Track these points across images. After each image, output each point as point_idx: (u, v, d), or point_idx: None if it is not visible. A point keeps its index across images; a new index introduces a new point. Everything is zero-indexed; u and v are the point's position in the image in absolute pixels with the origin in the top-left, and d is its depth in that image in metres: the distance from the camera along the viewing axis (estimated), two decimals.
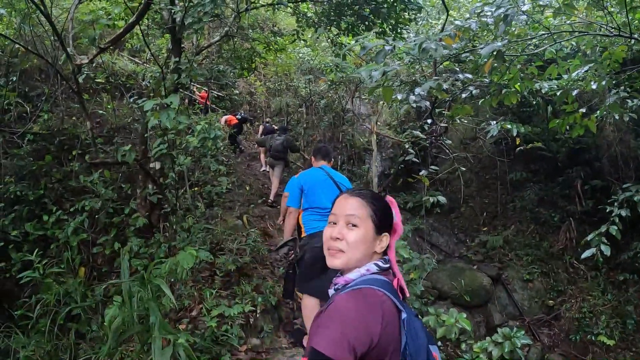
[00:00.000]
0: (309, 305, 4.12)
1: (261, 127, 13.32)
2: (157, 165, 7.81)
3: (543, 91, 9.63)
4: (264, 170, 12.01)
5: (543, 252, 10.80)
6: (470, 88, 5.75)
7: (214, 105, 14.04)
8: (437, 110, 6.84)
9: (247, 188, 10.01)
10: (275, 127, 11.94)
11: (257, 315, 4.69)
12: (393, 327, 1.37)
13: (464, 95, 5.71)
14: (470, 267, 10.23)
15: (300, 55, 14.07)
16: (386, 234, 1.60)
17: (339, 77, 12.69)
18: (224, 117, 13.17)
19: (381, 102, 15.06)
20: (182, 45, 8.02)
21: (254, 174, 11.94)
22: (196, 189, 9.49)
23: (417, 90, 4.35)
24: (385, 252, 1.61)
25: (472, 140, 14.47)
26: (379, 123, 15.44)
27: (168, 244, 5.87)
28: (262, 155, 12.29)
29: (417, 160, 6.72)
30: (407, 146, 7.73)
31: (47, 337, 4.74)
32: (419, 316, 1.75)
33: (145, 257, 6.74)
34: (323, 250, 1.60)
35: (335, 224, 1.59)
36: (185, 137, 6.38)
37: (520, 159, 12.20)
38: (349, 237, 1.53)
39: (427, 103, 4.95)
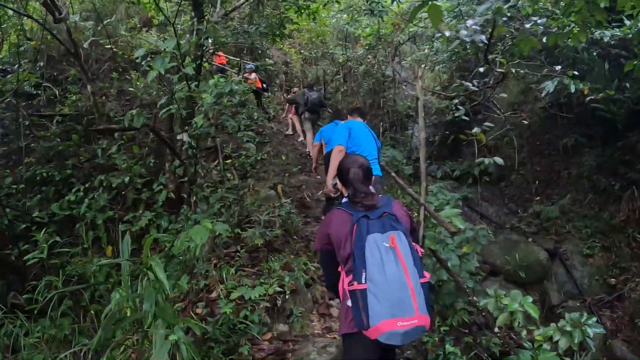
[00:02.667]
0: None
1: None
2: (185, 137, 7.26)
3: (605, 40, 8.54)
4: (288, 134, 11.60)
5: (603, 224, 9.66)
6: (534, 18, 4.80)
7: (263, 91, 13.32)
8: (490, 56, 5.93)
9: (284, 158, 9.36)
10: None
11: (286, 297, 4.02)
12: (340, 233, 2.45)
13: (528, 25, 4.77)
14: (525, 239, 9.25)
15: (335, 20, 13.17)
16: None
17: (377, 40, 11.83)
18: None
19: (423, 66, 14.09)
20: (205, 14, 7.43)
21: (290, 143, 11.27)
22: (230, 160, 8.94)
23: (470, 22, 3.54)
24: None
25: (520, 104, 13.31)
26: (422, 89, 14.49)
27: (194, 217, 5.27)
28: (292, 118, 11.64)
29: (467, 119, 5.86)
30: (456, 101, 6.82)
31: (66, 321, 4.32)
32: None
33: (173, 233, 6.28)
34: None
35: None
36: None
37: (574, 123, 11.06)
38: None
39: (483, 37, 4.11)
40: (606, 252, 9.22)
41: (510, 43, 6.65)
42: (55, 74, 10.33)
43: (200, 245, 3.39)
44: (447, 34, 4.09)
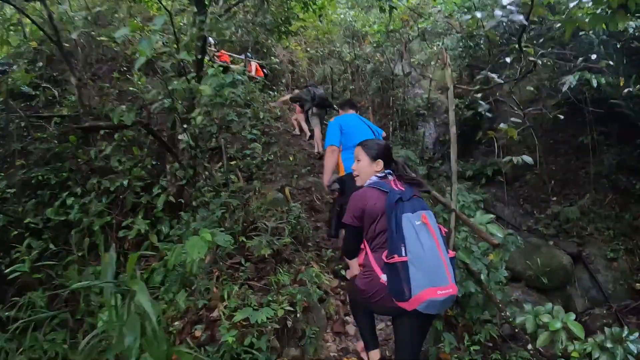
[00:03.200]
0: None
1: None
2: (185, 137, 6.79)
3: (629, 31, 8.00)
4: (295, 134, 11.07)
5: (626, 225, 9.09)
6: None
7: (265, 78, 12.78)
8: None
9: (291, 158, 8.84)
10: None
11: (298, 316, 3.50)
12: (375, 209, 2.64)
13: (572, 4, 4.22)
14: (545, 243, 8.68)
15: (342, 16, 12.65)
16: (379, 160, 2.91)
17: (385, 37, 11.32)
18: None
19: (433, 63, 13.58)
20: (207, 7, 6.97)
21: (298, 143, 10.74)
22: (235, 161, 8.45)
23: (506, 1, 3.03)
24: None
25: (532, 101, 12.75)
26: (430, 88, 14.00)
27: (194, 226, 4.78)
28: (297, 117, 11.11)
29: (490, 115, 5.35)
30: (478, 96, 6.32)
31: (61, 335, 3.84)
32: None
33: (174, 239, 5.79)
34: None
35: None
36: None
37: (590, 120, 10.51)
38: (358, 165, 2.99)
39: (521, 17, 3.58)
40: (630, 255, 8.65)
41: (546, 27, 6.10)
42: (55, 74, 9.92)
43: (198, 260, 2.87)
44: (478, 14, 3.58)
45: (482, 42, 11.19)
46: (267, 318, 3.06)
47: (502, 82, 5.49)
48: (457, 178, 10.70)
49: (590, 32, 8.35)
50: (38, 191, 7.47)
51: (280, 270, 4.11)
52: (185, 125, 5.18)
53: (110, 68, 10.34)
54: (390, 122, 11.83)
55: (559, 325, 3.40)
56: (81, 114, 7.19)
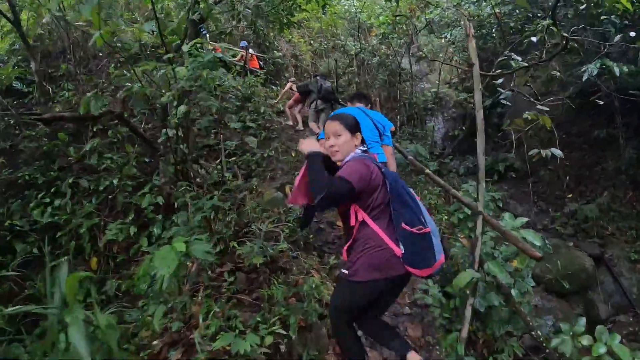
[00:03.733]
0: None
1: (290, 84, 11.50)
2: (170, 133, 6.26)
3: None
4: (299, 129, 10.46)
5: None
6: None
7: (259, 69, 12.16)
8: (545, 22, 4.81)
9: (293, 154, 8.26)
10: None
11: (293, 339, 2.91)
12: (378, 177, 2.50)
13: None
14: (566, 244, 8.03)
15: (346, 7, 12.05)
16: (358, 133, 2.68)
17: (391, 28, 10.72)
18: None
19: (441, 55, 12.97)
20: None
21: (302, 137, 10.16)
22: (234, 158, 7.91)
23: None
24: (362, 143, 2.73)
25: (544, 94, 12.11)
26: (437, 82, 13.42)
27: (174, 231, 4.22)
28: (289, 109, 10.56)
29: (510, 103, 4.75)
30: (498, 81, 5.74)
31: None
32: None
33: (165, 242, 5.27)
34: None
35: (329, 138, 2.64)
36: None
37: (605, 113, 9.88)
38: (338, 141, 2.62)
39: None
40: None
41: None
42: (50, 71, 9.47)
43: (169, 275, 2.32)
44: None
45: (494, 30, 10.57)
46: (253, 345, 2.48)
47: (527, 64, 4.88)
48: (467, 173, 10.10)
49: (613, 17, 7.71)
50: (25, 191, 7.01)
51: (275, 281, 3.53)
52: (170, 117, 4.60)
53: (108, 63, 9.86)
54: (398, 117, 11.24)
55: (602, 350, 2.82)
56: (42, 103, 6.60)
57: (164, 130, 5.42)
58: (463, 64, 13.92)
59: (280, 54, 13.59)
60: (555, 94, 11.48)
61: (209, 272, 3.88)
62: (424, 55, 5.90)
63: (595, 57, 7.45)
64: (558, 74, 10.76)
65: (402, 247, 2.44)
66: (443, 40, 13.97)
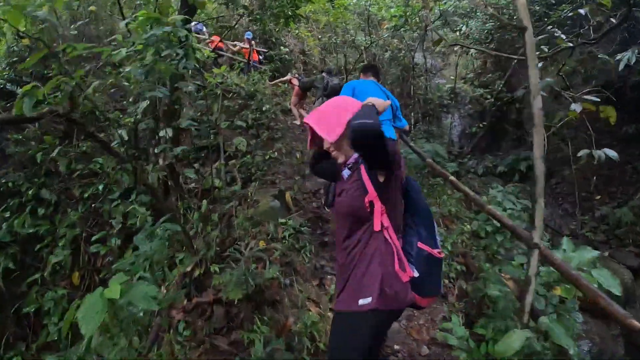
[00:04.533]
0: None
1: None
2: (169, 133, 5.55)
3: None
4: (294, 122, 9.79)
5: None
6: None
7: (258, 64, 11.38)
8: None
9: (298, 156, 7.49)
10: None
11: None
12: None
13: None
14: (600, 253, 7.09)
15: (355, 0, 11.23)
16: None
17: (403, 21, 9.87)
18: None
19: (456, 49, 12.10)
20: None
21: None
22: (233, 161, 7.18)
23: None
24: None
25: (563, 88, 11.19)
26: (452, 77, 12.54)
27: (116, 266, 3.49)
28: (293, 106, 9.86)
29: (544, 94, 3.91)
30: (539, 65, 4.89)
31: None
32: None
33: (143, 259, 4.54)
34: None
35: None
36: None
37: (632, 108, 8.97)
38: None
39: None
40: None
41: None
42: (46, 72, 8.82)
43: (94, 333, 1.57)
44: None
45: (516, 17, 9.68)
46: None
47: (572, 45, 4.06)
48: (487, 173, 9.23)
49: None
50: (8, 199, 6.38)
51: (260, 320, 2.76)
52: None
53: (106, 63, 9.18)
54: (412, 114, 10.39)
55: None
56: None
57: (117, 133, 4.60)
58: (480, 58, 13.07)
59: (287, 49, 12.81)
60: (576, 87, 10.59)
61: (185, 301, 3.14)
62: (442, 39, 5.08)
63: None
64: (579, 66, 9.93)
65: (414, 269, 1.95)
66: (458, 33, 13.11)
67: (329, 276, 3.81)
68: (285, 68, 12.83)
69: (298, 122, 10.03)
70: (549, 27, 4.42)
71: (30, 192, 6.32)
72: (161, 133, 5.69)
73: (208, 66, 10.24)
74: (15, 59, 8.70)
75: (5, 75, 8.21)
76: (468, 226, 4.98)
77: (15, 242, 5.92)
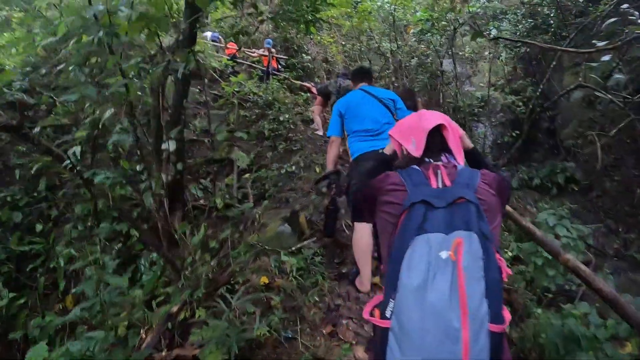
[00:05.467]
0: (363, 231, 3.40)
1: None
2: (172, 146, 4.93)
3: None
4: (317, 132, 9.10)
5: None
6: None
7: (276, 71, 10.76)
8: None
9: (318, 170, 6.78)
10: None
11: None
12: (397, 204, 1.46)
13: None
14: None
15: (380, 3, 10.48)
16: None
17: (430, 25, 9.14)
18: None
19: (487, 53, 11.28)
20: None
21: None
22: (247, 175, 6.56)
23: None
24: None
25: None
26: (482, 84, 11.70)
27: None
28: (316, 115, 9.22)
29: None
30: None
31: None
32: None
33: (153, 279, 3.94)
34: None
35: None
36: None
37: None
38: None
39: None
40: None
41: None
42: (60, 82, 8.46)
43: None
44: None
45: (552, 14, 8.91)
46: None
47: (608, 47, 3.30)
48: (522, 186, 8.37)
49: None
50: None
51: None
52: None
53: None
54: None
55: None
56: None
57: (72, 150, 3.92)
58: (510, 63, 12.19)
59: (309, 57, 12.16)
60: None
61: (165, 351, 2.48)
62: (481, 33, 4.34)
63: None
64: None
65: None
66: (490, 35, 12.27)
67: (344, 320, 3.08)
68: (308, 76, 12.20)
69: (320, 133, 9.40)
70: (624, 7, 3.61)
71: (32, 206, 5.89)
72: (164, 146, 5.12)
73: (225, 75, 9.71)
74: (28, 69, 8.35)
75: (18, 85, 7.84)
76: (509, 253, 4.20)
77: (9, 260, 5.47)
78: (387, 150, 1.91)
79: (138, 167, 5.30)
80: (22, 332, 4.67)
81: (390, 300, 1.27)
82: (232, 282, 2.99)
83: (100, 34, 2.28)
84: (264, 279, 3.10)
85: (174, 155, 5.05)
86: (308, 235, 4.32)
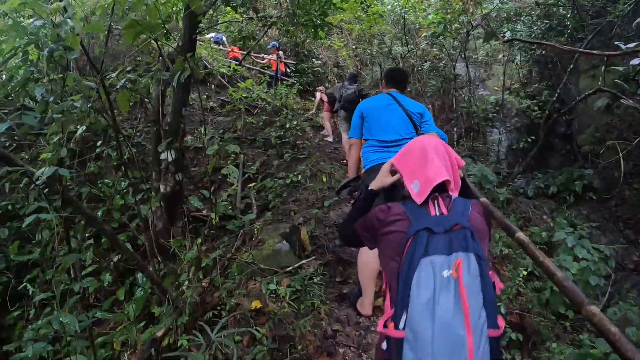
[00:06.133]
0: (369, 257, 3.22)
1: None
2: (170, 156, 4.76)
3: None
4: (327, 139, 9.16)
5: None
6: None
7: (284, 75, 10.51)
8: None
9: (324, 179, 6.51)
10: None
11: None
12: (399, 233, 1.63)
13: None
14: None
15: (390, 6, 10.22)
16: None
17: (442, 27, 8.83)
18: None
19: (501, 56, 10.91)
20: None
21: (340, 158, 8.38)
22: (252, 184, 6.34)
23: None
24: None
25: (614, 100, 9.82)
26: (496, 88, 11.33)
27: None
28: (326, 121, 9.27)
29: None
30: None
31: None
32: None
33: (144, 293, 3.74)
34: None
35: None
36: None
37: None
38: None
39: None
40: None
41: None
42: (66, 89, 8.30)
43: None
44: None
45: (569, 14, 8.57)
46: None
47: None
48: (537, 195, 8.00)
49: None
50: (8, 222, 5.80)
51: None
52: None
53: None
54: (455, 129, 9.28)
55: None
56: None
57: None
58: (525, 66, 11.80)
59: (319, 62, 11.91)
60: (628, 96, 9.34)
61: None
62: (494, 33, 4.08)
63: None
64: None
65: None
66: (504, 37, 11.91)
67: (341, 349, 2.81)
68: (319, 81, 11.96)
69: (330, 139, 9.18)
70: None
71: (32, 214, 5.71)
72: (162, 156, 4.92)
73: (234, 80, 9.51)
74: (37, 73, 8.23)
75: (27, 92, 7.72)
76: (524, 271, 3.89)
77: (9, 270, 5.32)
78: (375, 186, 2.02)
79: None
80: (17, 343, 4.51)
81: (404, 313, 1.45)
82: (219, 307, 2.75)
83: (46, 51, 2.08)
84: (256, 304, 2.86)
85: (172, 165, 4.85)
86: (310, 251, 4.06)
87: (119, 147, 3.27)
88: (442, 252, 1.49)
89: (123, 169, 5.41)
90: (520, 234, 2.27)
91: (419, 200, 1.68)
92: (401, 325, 1.45)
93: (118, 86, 4.09)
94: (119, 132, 3.13)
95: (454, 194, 1.76)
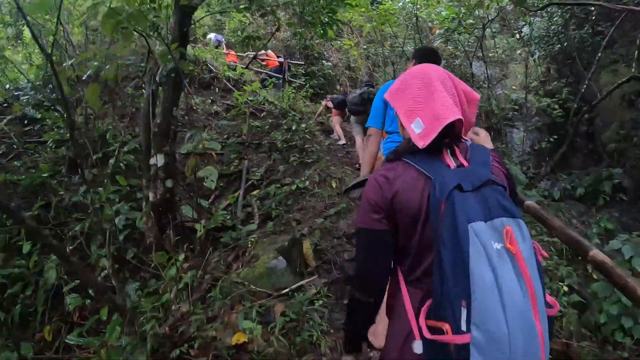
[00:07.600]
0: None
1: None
2: (160, 161, 4.20)
3: None
4: (342, 144, 8.73)
5: None
6: None
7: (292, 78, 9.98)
8: None
9: (334, 185, 5.90)
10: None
11: None
12: (419, 194, 1.25)
13: None
14: None
15: (401, 4, 9.64)
16: None
17: (456, 23, 8.24)
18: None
19: (519, 52, 10.27)
20: None
21: (353, 162, 7.75)
22: (256, 191, 5.78)
23: None
24: None
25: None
26: (514, 87, 10.66)
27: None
28: (336, 125, 8.90)
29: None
30: None
31: None
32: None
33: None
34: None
35: None
36: None
37: None
38: None
39: None
40: None
41: None
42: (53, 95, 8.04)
43: None
44: None
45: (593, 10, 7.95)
46: None
47: None
48: (565, 197, 7.25)
49: None
50: None
51: None
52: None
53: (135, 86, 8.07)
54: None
55: None
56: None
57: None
58: (543, 63, 11.12)
59: (329, 64, 11.32)
60: None
61: None
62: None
63: None
64: None
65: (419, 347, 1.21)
66: (517, 36, 11.25)
67: None
68: (330, 84, 11.38)
69: (342, 142, 8.64)
70: None
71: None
72: (152, 161, 4.38)
73: (240, 84, 8.99)
74: (39, 83, 7.91)
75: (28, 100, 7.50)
76: (565, 287, 3.23)
77: None
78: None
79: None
80: None
81: (462, 306, 1.06)
82: (193, 341, 2.16)
83: None
84: (239, 337, 2.26)
85: (162, 171, 4.30)
86: (313, 268, 3.45)
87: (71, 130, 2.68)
88: (479, 218, 1.11)
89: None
90: (597, 253, 1.61)
91: (421, 143, 1.24)
92: (463, 324, 1.04)
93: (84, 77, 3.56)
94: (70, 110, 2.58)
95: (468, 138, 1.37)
